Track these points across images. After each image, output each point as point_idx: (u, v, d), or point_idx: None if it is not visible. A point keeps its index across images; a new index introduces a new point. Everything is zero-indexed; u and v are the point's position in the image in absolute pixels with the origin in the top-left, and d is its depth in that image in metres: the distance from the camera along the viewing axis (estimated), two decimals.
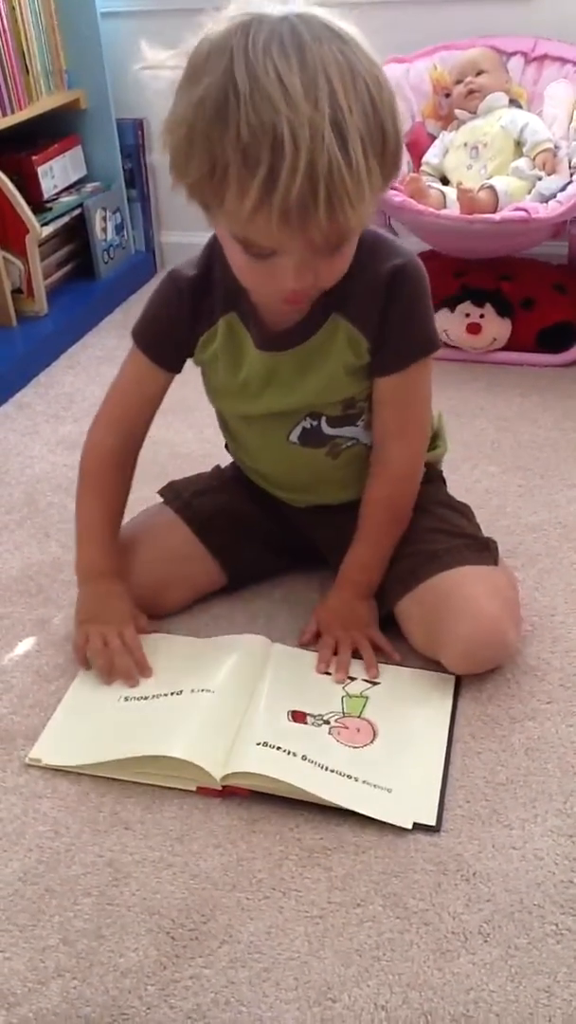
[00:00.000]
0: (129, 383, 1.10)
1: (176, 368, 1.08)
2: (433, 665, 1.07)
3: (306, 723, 0.99)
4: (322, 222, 0.78)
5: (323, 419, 1.05)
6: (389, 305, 0.97)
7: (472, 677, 1.06)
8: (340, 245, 0.86)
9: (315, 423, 1.06)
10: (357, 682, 1.05)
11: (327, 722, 1.00)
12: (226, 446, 1.22)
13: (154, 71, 0.85)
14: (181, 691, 1.03)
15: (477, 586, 1.03)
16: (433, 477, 1.15)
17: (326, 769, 0.93)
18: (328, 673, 1.06)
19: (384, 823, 0.90)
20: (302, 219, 0.78)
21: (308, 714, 1.01)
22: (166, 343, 1.06)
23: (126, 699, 1.04)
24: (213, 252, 0.99)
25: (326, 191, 0.76)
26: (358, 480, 1.10)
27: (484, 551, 1.08)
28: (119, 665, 1.05)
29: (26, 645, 1.16)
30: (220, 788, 0.93)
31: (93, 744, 0.98)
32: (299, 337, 1.00)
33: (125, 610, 1.09)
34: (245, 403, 1.06)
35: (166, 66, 0.84)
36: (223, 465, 1.26)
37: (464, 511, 1.15)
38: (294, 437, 1.07)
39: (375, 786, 0.92)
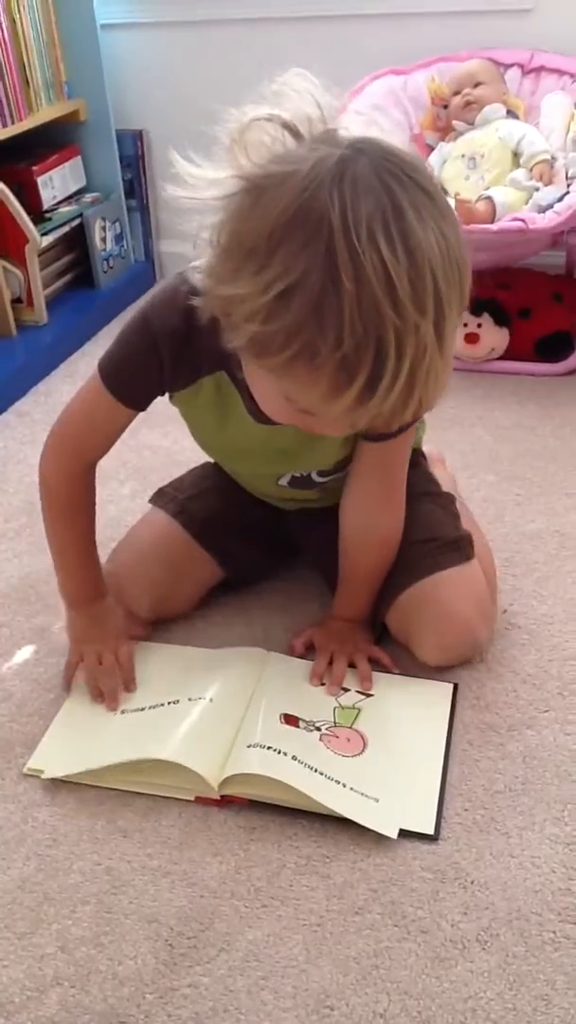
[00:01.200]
0: (87, 417, 1.00)
1: (142, 407, 0.98)
2: (429, 671, 1.08)
3: (298, 727, 1.00)
4: (409, 415, 0.74)
5: (314, 472, 1.05)
6: None
7: (470, 685, 1.06)
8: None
9: (305, 473, 1.05)
10: (350, 694, 1.06)
11: (318, 728, 1.00)
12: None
13: (191, 189, 0.75)
14: (177, 700, 1.04)
15: (449, 590, 1.06)
16: (412, 460, 1.11)
17: (315, 771, 0.93)
18: (323, 684, 1.07)
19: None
20: (393, 417, 0.73)
21: (300, 719, 1.01)
22: (135, 387, 0.96)
23: (123, 712, 1.04)
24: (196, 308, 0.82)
25: (420, 396, 0.72)
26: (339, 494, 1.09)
27: (456, 550, 1.08)
28: (105, 686, 1.06)
29: (25, 653, 1.16)
30: (218, 797, 0.93)
31: (91, 753, 0.98)
32: None
33: (119, 626, 1.10)
34: (231, 460, 1.07)
35: (215, 198, 0.73)
36: (211, 462, 1.23)
37: (443, 503, 1.14)
38: (283, 482, 1.08)
39: (362, 794, 0.93)
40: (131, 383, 0.96)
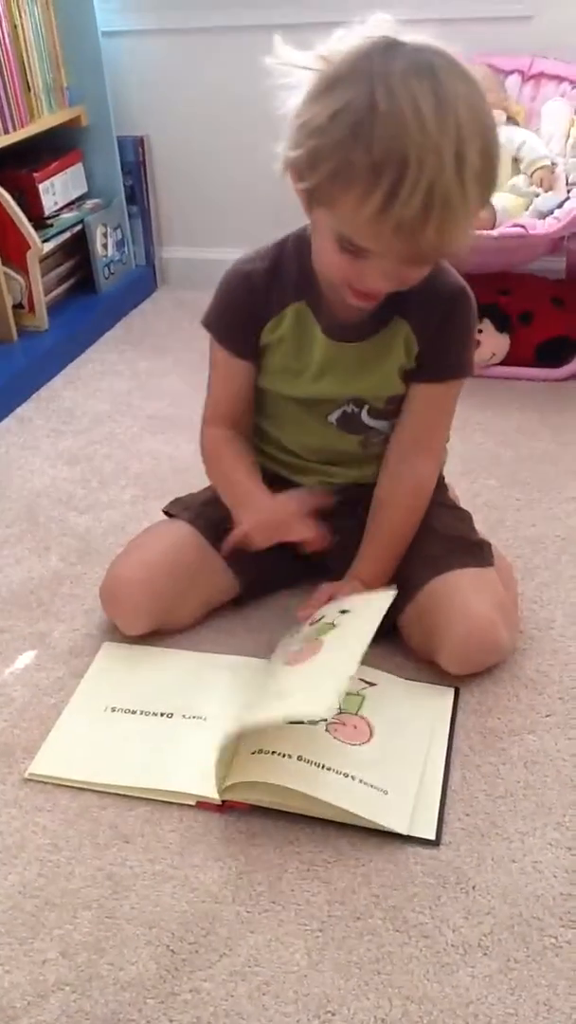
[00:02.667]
0: (221, 379, 1.14)
1: (253, 357, 1.10)
2: (431, 676, 1.08)
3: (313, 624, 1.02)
4: (430, 238, 0.85)
5: (365, 408, 1.10)
6: (446, 320, 1.04)
7: (471, 689, 1.06)
8: (434, 261, 0.95)
9: (357, 410, 1.10)
10: (328, 613, 1.06)
11: (324, 720, 1.00)
12: None
13: (284, 67, 0.90)
14: (172, 714, 1.04)
15: (469, 589, 1.05)
16: (438, 481, 1.16)
17: (323, 767, 0.93)
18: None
19: (383, 835, 0.90)
20: (412, 233, 0.85)
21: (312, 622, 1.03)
22: (237, 332, 1.09)
23: (112, 709, 1.04)
24: (284, 248, 1.07)
25: (439, 211, 0.83)
26: (374, 462, 1.13)
27: (477, 553, 1.10)
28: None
29: (26, 659, 1.16)
30: (220, 803, 0.93)
31: (92, 762, 0.99)
32: (366, 332, 1.05)
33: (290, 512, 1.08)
34: (300, 386, 1.10)
35: (299, 65, 0.89)
36: None
37: (461, 515, 1.17)
38: (333, 419, 1.11)
39: (371, 786, 0.92)
40: (234, 324, 1.09)
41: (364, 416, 1.10)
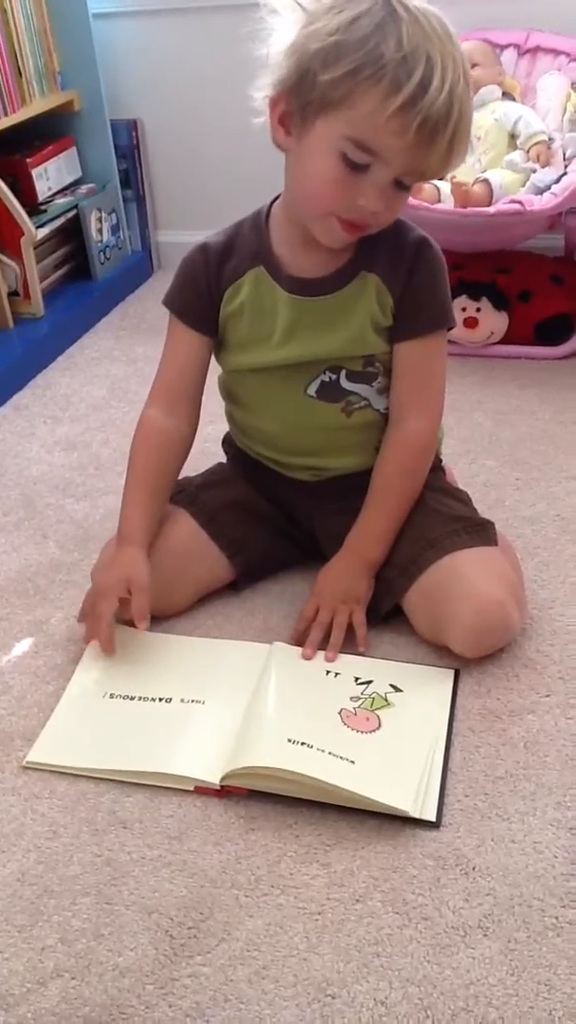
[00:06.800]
0: (170, 354, 1.14)
1: (211, 332, 1.11)
2: (430, 659, 1.08)
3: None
4: (443, 146, 0.90)
5: (343, 372, 1.08)
6: (414, 269, 1.04)
7: (471, 670, 1.06)
8: (419, 181, 0.99)
9: (334, 376, 1.08)
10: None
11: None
12: (228, 416, 1.22)
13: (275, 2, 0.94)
14: (171, 699, 1.03)
15: (476, 569, 1.04)
16: (432, 465, 1.15)
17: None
18: (324, 667, 1.07)
19: (382, 817, 0.90)
20: (434, 132, 0.89)
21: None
22: (194, 304, 1.10)
23: (111, 696, 1.04)
24: (242, 224, 1.09)
25: (457, 118, 0.89)
26: (365, 447, 1.12)
27: (482, 532, 1.09)
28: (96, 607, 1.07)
29: (24, 646, 1.15)
30: (218, 788, 0.93)
31: (91, 749, 0.98)
32: (332, 286, 1.05)
33: (138, 574, 1.07)
34: (268, 352, 1.08)
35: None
36: (223, 463, 1.26)
37: (461, 497, 1.16)
38: (312, 390, 1.09)
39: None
40: (192, 300, 1.10)
41: (343, 381, 1.08)
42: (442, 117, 0.87)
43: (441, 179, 1.77)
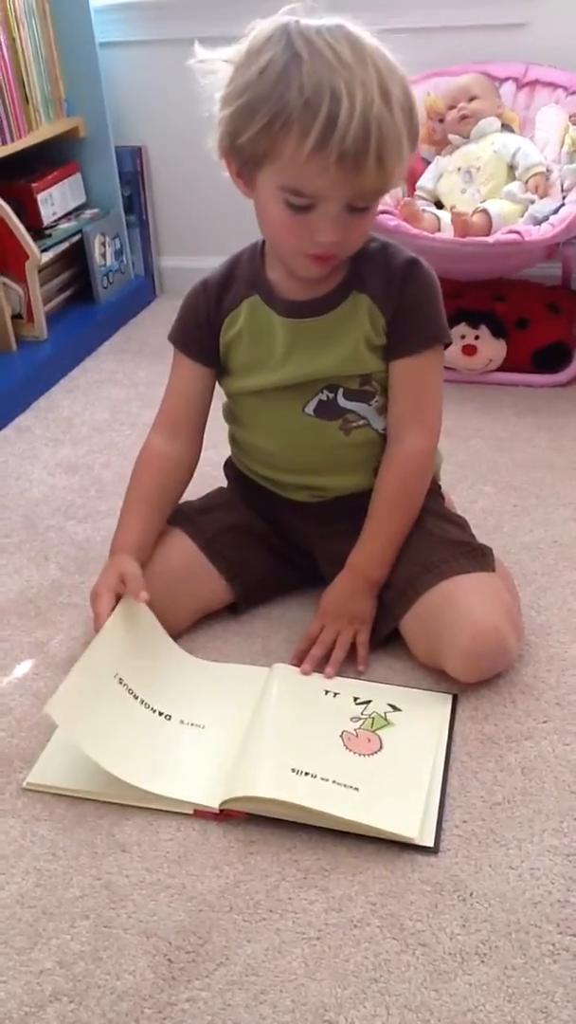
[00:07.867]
0: (173, 385, 1.18)
1: (212, 362, 1.15)
2: (427, 683, 1.08)
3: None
4: (371, 169, 0.90)
5: (340, 391, 1.10)
6: (405, 289, 1.06)
7: (468, 696, 1.06)
8: (372, 202, 0.98)
9: (332, 395, 1.10)
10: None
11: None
12: (231, 438, 1.23)
13: (207, 64, 0.99)
14: (171, 716, 1.04)
15: (473, 594, 1.05)
16: (431, 489, 1.16)
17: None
18: (326, 679, 1.08)
19: (380, 843, 0.90)
20: (356, 163, 0.89)
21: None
22: (196, 336, 1.14)
23: (120, 680, 1.03)
24: (239, 257, 1.13)
25: (377, 139, 0.89)
26: (364, 467, 1.13)
27: (480, 558, 1.10)
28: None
29: (24, 668, 1.16)
30: (217, 812, 0.93)
31: (90, 773, 0.97)
32: (323, 308, 1.07)
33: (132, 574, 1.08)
34: (269, 374, 1.10)
35: (220, 58, 0.97)
36: (224, 487, 1.27)
37: (459, 522, 1.17)
38: (310, 409, 1.11)
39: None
40: (194, 334, 1.14)
41: (340, 399, 1.10)
42: (360, 143, 0.88)
43: (440, 207, 1.80)
